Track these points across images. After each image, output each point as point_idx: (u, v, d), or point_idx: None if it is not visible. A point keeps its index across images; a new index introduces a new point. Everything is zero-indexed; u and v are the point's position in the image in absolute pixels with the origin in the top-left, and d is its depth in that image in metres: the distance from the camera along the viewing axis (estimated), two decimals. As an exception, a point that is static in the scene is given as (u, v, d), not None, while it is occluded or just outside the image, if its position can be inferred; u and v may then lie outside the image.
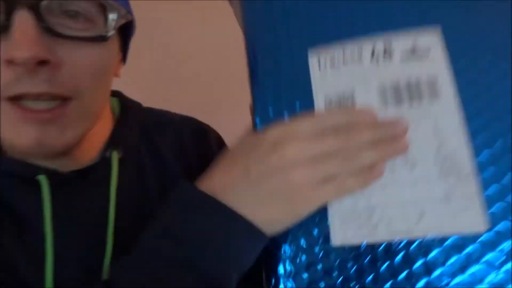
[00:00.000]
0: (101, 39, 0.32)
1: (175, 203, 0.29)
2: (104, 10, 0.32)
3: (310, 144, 0.27)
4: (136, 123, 0.44)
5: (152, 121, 0.47)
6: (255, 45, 0.39)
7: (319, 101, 0.32)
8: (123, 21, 0.34)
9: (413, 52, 0.33)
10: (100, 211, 0.35)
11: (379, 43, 0.34)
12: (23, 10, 0.27)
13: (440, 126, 0.31)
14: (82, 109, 0.32)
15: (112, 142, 0.39)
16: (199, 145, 0.48)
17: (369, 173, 0.27)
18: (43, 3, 0.27)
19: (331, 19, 0.36)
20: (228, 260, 0.27)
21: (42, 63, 0.28)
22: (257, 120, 0.33)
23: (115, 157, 0.37)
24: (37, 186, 0.32)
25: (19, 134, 0.29)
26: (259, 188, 0.27)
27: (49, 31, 0.28)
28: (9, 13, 0.26)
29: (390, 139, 0.28)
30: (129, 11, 0.37)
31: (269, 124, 0.31)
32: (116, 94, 0.49)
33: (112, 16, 0.32)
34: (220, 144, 0.51)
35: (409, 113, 0.31)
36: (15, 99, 0.28)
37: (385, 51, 0.33)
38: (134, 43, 0.52)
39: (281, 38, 0.37)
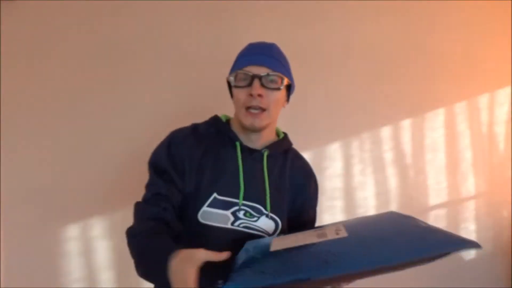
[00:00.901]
0: (279, 89, 0.95)
1: (166, 257, 0.72)
2: (281, 78, 0.95)
3: None
4: (283, 147, 1.04)
5: (292, 151, 1.07)
6: None
7: None
8: (288, 82, 0.98)
9: None
10: (258, 170, 0.97)
11: None
12: (256, 79, 0.91)
13: None
14: (268, 116, 0.95)
15: (267, 147, 1.00)
16: (305, 181, 1.08)
17: None
18: (262, 77, 0.92)
19: None
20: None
21: (260, 95, 0.92)
22: None
23: (265, 153, 0.98)
24: (236, 147, 0.97)
25: (246, 120, 0.94)
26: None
27: (263, 86, 0.92)
28: (252, 80, 0.92)
29: None
30: (291, 79, 1.01)
31: None
32: (285, 132, 1.10)
33: (284, 81, 0.96)
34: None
35: None
36: (247, 108, 0.93)
37: None
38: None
39: None
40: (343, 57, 1.93)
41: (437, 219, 2.08)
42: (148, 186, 0.95)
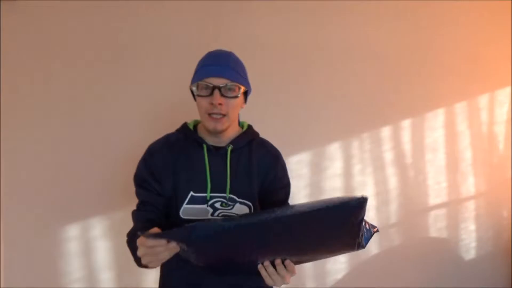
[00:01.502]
0: (237, 97, 1.05)
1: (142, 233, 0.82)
2: (239, 87, 1.05)
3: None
4: (247, 138, 1.14)
5: (257, 140, 1.16)
6: None
7: None
8: (245, 90, 1.09)
9: None
10: (223, 164, 1.08)
11: None
12: (216, 90, 1.01)
13: None
14: (228, 119, 1.06)
15: (231, 141, 1.11)
16: (270, 165, 1.15)
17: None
18: (222, 87, 1.02)
19: None
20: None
21: (220, 104, 1.02)
22: None
23: (229, 148, 1.10)
24: (203, 148, 1.09)
25: (209, 125, 1.05)
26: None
27: (222, 95, 1.02)
28: (212, 90, 1.02)
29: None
30: (248, 85, 1.11)
31: None
32: (249, 124, 1.20)
33: (240, 89, 1.06)
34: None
35: None
36: (209, 114, 1.04)
37: None
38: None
39: None
40: (343, 57, 1.93)
41: (437, 219, 2.08)
42: (136, 196, 1.11)
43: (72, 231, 1.61)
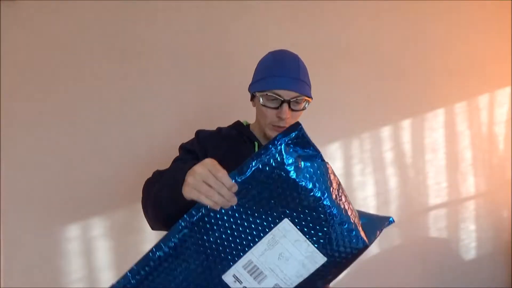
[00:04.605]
0: (304, 109, 1.02)
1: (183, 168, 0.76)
2: (307, 100, 1.01)
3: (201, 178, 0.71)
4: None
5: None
6: None
7: None
8: (311, 100, 1.04)
9: None
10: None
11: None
12: (285, 104, 0.97)
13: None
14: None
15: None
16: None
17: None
18: (291, 101, 0.97)
19: None
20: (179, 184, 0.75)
21: (288, 118, 0.98)
22: None
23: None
24: (254, 146, 1.06)
25: (272, 134, 1.02)
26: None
27: (290, 109, 0.98)
28: (281, 103, 0.98)
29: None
30: (312, 97, 1.04)
31: None
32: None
33: (308, 101, 1.02)
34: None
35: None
36: (274, 125, 1.01)
37: None
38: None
39: None
40: (343, 57, 1.93)
41: (437, 219, 2.08)
42: (176, 160, 1.02)
43: (72, 231, 1.61)
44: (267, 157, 0.69)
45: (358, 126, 1.95)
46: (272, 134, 1.02)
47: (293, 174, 0.69)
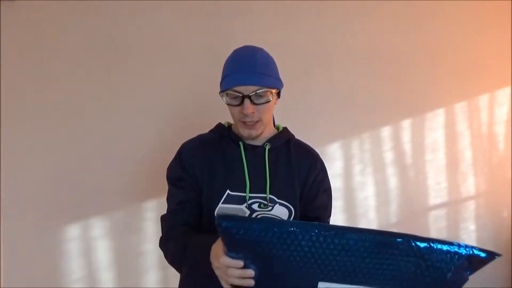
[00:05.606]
0: (269, 101, 1.00)
1: (208, 245, 0.81)
2: (270, 91, 0.99)
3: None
4: (284, 138, 1.11)
5: (294, 141, 1.14)
6: None
7: None
8: (276, 91, 1.04)
9: None
10: (261, 163, 1.04)
11: None
12: (246, 99, 0.96)
13: None
14: (262, 124, 1.03)
15: (268, 140, 1.08)
16: (311, 166, 1.12)
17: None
18: (251, 95, 0.96)
19: None
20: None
21: (252, 112, 0.98)
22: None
23: (267, 146, 1.06)
24: (239, 146, 1.05)
25: (244, 132, 1.03)
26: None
27: (253, 103, 0.97)
28: (242, 100, 0.97)
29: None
30: (278, 83, 1.03)
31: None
32: (285, 127, 1.16)
33: (272, 93, 1.00)
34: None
35: None
36: (243, 122, 1.01)
37: None
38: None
39: None
40: (343, 57, 1.93)
41: (437, 219, 2.08)
42: (169, 199, 1.06)
43: (72, 231, 1.61)
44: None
45: (358, 126, 1.95)
46: (243, 131, 1.02)
47: None
